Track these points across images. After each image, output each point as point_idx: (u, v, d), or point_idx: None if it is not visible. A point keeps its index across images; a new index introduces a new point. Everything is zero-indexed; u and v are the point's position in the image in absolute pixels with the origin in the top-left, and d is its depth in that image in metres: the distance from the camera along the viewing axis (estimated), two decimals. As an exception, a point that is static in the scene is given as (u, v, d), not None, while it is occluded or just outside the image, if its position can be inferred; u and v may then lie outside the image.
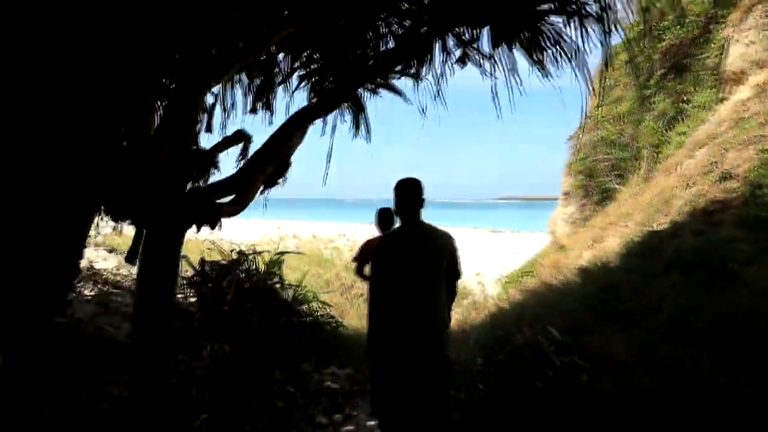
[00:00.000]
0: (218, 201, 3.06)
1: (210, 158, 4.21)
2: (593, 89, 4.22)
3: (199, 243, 7.91)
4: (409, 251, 2.68)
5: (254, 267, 6.73)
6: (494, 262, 17.68)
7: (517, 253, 18.57)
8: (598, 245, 6.67)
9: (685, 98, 8.52)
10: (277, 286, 6.83)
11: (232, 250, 6.60)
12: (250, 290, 6.42)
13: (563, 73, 3.68)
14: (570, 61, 3.48)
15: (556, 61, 3.61)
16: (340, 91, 3.46)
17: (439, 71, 3.84)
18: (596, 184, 10.33)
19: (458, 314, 11.13)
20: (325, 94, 3.58)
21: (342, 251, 19.51)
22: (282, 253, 6.86)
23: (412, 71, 4.06)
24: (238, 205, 3.16)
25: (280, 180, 3.55)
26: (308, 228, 28.18)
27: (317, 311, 7.12)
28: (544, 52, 3.53)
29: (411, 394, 2.62)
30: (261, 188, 3.51)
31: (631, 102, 10.10)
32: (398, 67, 4.09)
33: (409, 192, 2.74)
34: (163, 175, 2.76)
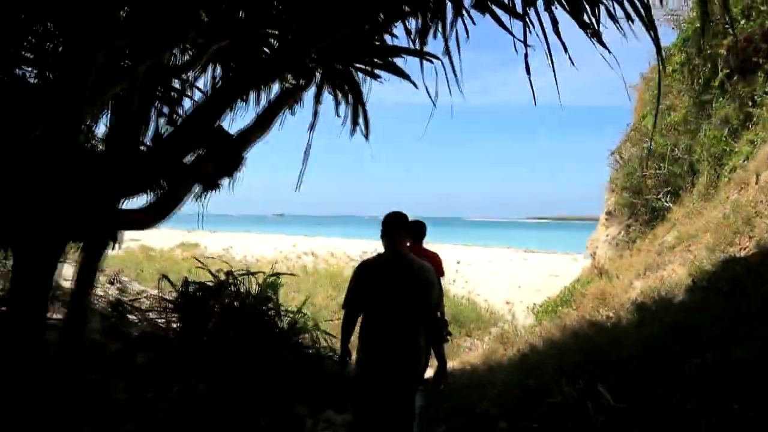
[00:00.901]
0: (125, 208, 2.15)
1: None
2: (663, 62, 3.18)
3: (191, 259, 7.11)
4: (389, 280, 2.88)
5: (246, 289, 5.91)
6: (527, 286, 16.46)
7: (553, 276, 17.23)
8: (654, 274, 5.49)
9: (754, 101, 7.28)
10: (272, 312, 6.00)
11: (218, 270, 5.74)
12: (238, 317, 5.60)
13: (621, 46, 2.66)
14: (639, 16, 2.46)
15: (614, 20, 2.60)
16: (297, 46, 2.53)
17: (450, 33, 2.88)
18: (644, 202, 9.17)
19: (485, 344, 9.97)
20: (278, 51, 2.65)
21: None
22: (277, 275, 5.96)
23: (415, 47, 3.11)
24: (154, 213, 2.24)
25: (225, 180, 2.61)
26: (329, 245, 27.41)
27: (317, 343, 6.21)
28: (598, 6, 2.52)
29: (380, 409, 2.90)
30: (195, 191, 2.57)
31: (685, 110, 8.89)
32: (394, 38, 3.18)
33: (393, 224, 2.96)
34: (27, 175, 1.87)
